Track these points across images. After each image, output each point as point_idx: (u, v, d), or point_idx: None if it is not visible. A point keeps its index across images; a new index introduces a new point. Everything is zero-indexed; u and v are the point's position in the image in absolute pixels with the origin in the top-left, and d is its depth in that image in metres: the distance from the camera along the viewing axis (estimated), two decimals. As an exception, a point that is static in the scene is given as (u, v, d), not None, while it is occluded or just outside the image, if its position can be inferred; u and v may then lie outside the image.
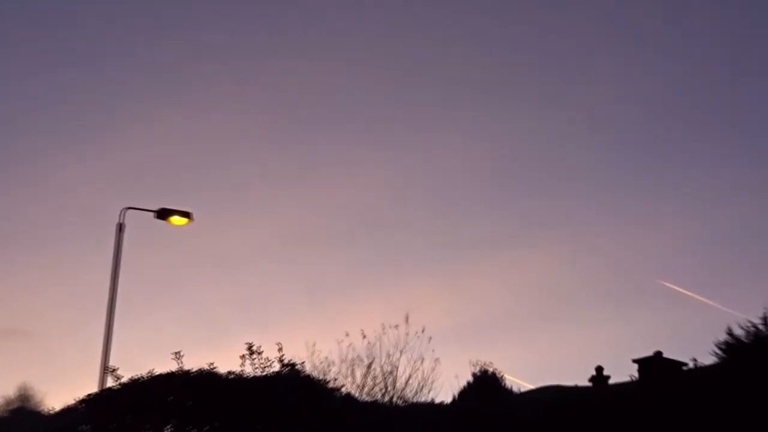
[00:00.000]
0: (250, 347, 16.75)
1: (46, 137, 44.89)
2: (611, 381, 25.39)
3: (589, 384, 25.60)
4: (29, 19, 44.63)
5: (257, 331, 38.77)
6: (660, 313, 41.33)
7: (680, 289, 36.54)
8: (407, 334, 21.53)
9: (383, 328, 21.67)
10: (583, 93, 45.15)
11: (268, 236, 43.66)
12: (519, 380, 26.70)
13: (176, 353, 16.59)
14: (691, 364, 23.30)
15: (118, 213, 20.23)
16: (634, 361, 24.29)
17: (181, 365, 16.49)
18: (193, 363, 17.01)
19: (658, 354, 23.91)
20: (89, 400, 17.15)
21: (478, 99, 45.39)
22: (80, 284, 41.07)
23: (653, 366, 23.62)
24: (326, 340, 24.74)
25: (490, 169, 44.57)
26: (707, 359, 22.91)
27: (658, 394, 20.35)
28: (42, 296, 42.76)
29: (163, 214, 20.31)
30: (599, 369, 25.47)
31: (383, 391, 21.51)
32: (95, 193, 43.44)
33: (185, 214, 20.39)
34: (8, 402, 35.94)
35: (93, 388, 17.96)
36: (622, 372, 25.28)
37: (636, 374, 24.30)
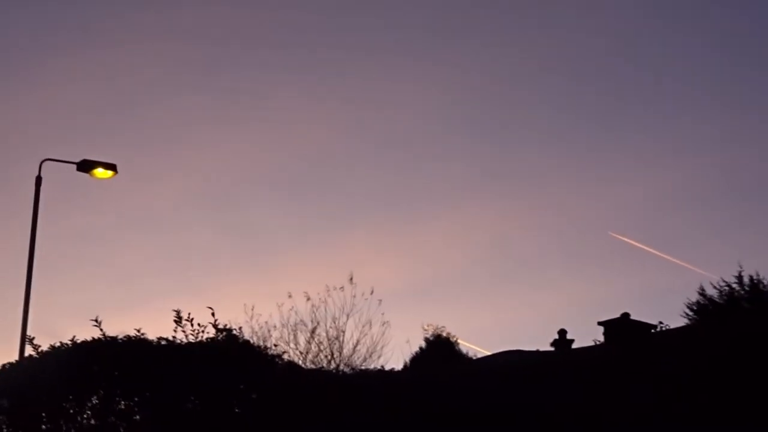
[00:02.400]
0: (178, 315, 16.46)
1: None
2: (575, 345, 25.55)
3: (552, 348, 25.74)
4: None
5: (189, 293, 38.49)
6: (629, 275, 41.75)
7: (632, 242, 36.79)
8: (354, 296, 21.43)
9: (328, 290, 21.54)
10: (540, 32, 44.98)
11: (197, 188, 43.19)
12: (474, 346, 26.73)
13: (95, 319, 16.24)
14: (660, 327, 23.50)
15: (38, 165, 19.83)
16: (600, 323, 24.43)
17: (102, 331, 16.16)
18: (119, 329, 16.68)
19: (625, 316, 24.05)
20: (6, 371, 16.82)
21: (429, 40, 45.07)
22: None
23: (620, 328, 23.75)
24: (266, 303, 24.59)
25: (443, 115, 44.40)
26: (678, 322, 23.13)
27: (622, 356, 20.48)
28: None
29: (86, 166, 19.89)
30: (562, 332, 25.60)
31: (329, 357, 21.44)
32: (9, 144, 42.62)
33: (110, 166, 19.98)
34: None
35: (10, 358, 17.66)
36: (587, 336, 25.45)
37: (602, 338, 24.46)
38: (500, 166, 45.62)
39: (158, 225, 44.16)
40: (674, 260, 39.56)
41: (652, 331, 23.74)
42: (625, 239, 38.16)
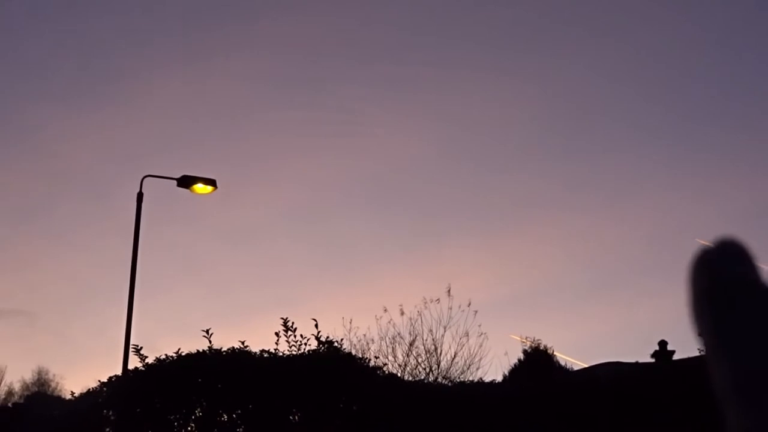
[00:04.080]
0: (285, 323, 16.64)
1: (57, 102, 45.04)
2: (676, 356, 25.14)
3: (652, 360, 25.37)
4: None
5: (287, 307, 38.96)
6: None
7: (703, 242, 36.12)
8: (450, 308, 21.44)
9: (425, 303, 21.59)
10: (616, 47, 44.50)
11: (296, 205, 43.73)
12: (570, 358, 26.50)
13: (206, 331, 16.53)
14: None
15: (139, 182, 20.24)
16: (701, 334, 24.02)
17: (210, 343, 16.45)
18: (220, 342, 17.00)
19: (727, 326, 23.61)
20: (113, 383, 17.16)
21: (519, 53, 44.94)
22: (87, 260, 41.38)
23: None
24: (363, 316, 24.76)
25: (538, 127, 44.21)
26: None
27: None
28: (45, 274, 43.16)
29: (186, 181, 20.23)
30: (662, 343, 25.22)
31: (427, 370, 21.46)
32: (111, 162, 43.65)
33: (209, 182, 20.29)
34: (25, 387, 36.31)
35: (113, 370, 18.03)
36: (688, 347, 25.04)
37: (704, 348, 24.04)
38: (596, 175, 45.26)
39: (255, 239, 44.87)
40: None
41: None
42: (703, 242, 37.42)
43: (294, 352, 16.53)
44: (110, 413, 17.17)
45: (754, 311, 1.00)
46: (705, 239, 1.04)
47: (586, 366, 26.59)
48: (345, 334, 20.91)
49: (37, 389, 35.36)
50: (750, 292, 1.01)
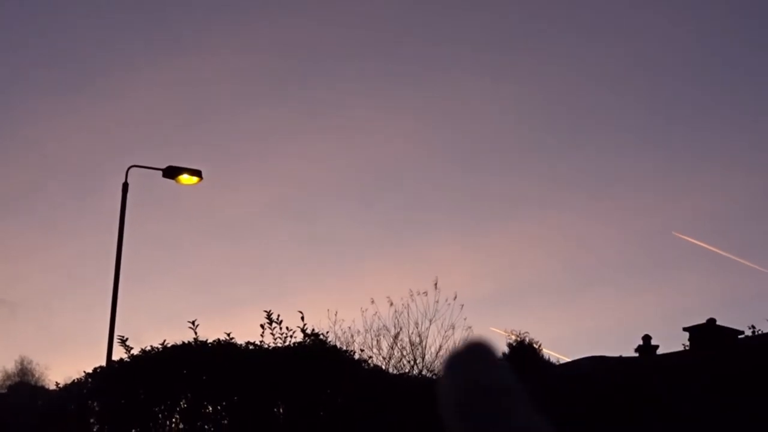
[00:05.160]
0: (269, 315, 16.71)
1: (42, 93, 44.89)
2: (660, 351, 25.34)
3: (636, 354, 25.56)
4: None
5: (274, 300, 39.07)
6: (713, 280, 41.21)
7: (694, 241, 36.35)
8: (437, 301, 21.47)
9: (411, 295, 21.64)
10: (621, 31, 44.67)
11: (282, 198, 43.69)
12: (554, 352, 26.68)
13: (192, 322, 16.60)
14: (748, 332, 23.21)
15: (124, 172, 20.24)
16: (685, 329, 24.21)
17: (196, 335, 16.52)
18: (205, 334, 17.05)
19: (712, 321, 23.80)
20: (98, 374, 17.22)
21: (505, 46, 45.03)
22: (72, 251, 41.34)
23: (706, 334, 23.51)
24: (350, 309, 24.78)
25: (522, 120, 44.24)
26: (766, 327, 22.83)
27: (710, 362, 20.27)
28: (28, 264, 43.09)
29: (172, 172, 20.21)
30: (647, 338, 25.41)
31: (412, 363, 21.52)
32: (96, 152, 43.59)
33: (195, 173, 20.28)
34: (7, 377, 36.27)
35: (97, 361, 18.04)
36: (672, 342, 25.26)
37: (687, 343, 24.24)
38: (582, 170, 45.34)
39: (240, 232, 44.73)
40: (761, 268, 38.97)
41: (739, 336, 23.48)
42: (710, 247, 37.71)
43: (279, 345, 16.62)
44: (95, 404, 17.24)
45: (487, 412, 1.22)
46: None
47: (571, 360, 26.78)
48: (330, 327, 20.91)
49: (19, 379, 35.35)
50: (484, 394, 1.23)
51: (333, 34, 44.05)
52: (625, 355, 25.83)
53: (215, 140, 42.58)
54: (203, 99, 43.96)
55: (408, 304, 21.37)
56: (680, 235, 37.29)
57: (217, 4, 43.64)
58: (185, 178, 20.17)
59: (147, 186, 21.15)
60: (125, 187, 20.25)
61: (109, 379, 16.86)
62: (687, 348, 24.10)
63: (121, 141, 41.03)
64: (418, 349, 21.39)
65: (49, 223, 43.10)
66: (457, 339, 21.09)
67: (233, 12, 43.56)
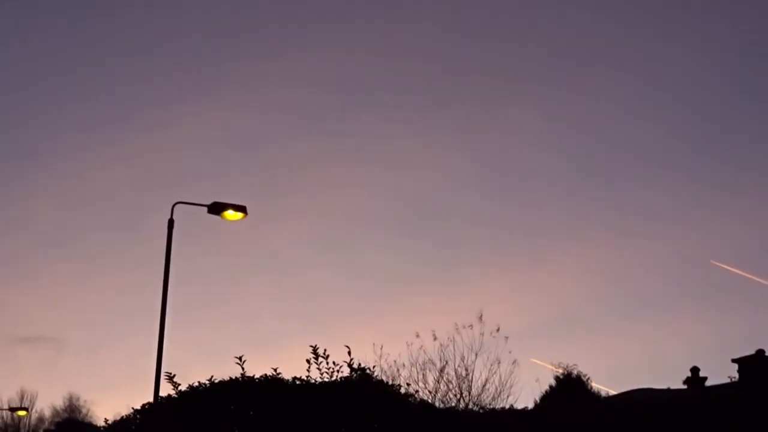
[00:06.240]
0: (315, 350, 16.67)
1: (87, 130, 45.45)
2: (708, 383, 24.98)
3: (684, 386, 25.22)
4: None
5: (319, 334, 38.93)
6: (761, 311, 40.70)
7: (733, 269, 35.94)
8: (482, 334, 21.34)
9: (456, 328, 21.52)
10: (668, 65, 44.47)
11: (326, 232, 43.85)
12: (600, 385, 26.34)
13: (239, 357, 16.60)
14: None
15: (170, 208, 20.33)
16: (734, 360, 23.86)
17: (243, 370, 16.51)
18: (251, 370, 17.01)
19: (761, 352, 23.44)
20: (146, 410, 17.24)
21: (551, 82, 45.04)
22: (118, 288, 41.68)
23: (755, 365, 23.15)
24: (394, 341, 24.70)
25: (568, 154, 44.18)
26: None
27: (761, 394, 19.95)
28: (75, 301, 43.46)
29: (217, 208, 20.27)
30: (695, 370, 25.06)
31: (458, 396, 21.36)
32: (142, 189, 43.97)
33: (240, 208, 20.30)
34: (56, 413, 36.47)
35: (144, 398, 18.06)
36: (720, 373, 24.88)
37: (736, 375, 23.87)
38: (628, 204, 45.13)
39: (285, 267, 44.98)
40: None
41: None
42: (757, 278, 37.21)
43: (326, 379, 16.56)
44: (143, 440, 17.25)
45: None
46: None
47: (617, 393, 26.46)
48: (376, 361, 20.85)
49: (67, 415, 35.46)
50: None
51: (374, 67, 44.27)
52: (672, 387, 25.51)
53: (259, 174, 42.93)
54: (247, 133, 44.36)
55: (453, 338, 21.29)
56: (718, 264, 36.85)
57: (260, 39, 44.10)
58: (230, 214, 20.20)
59: (192, 222, 21.25)
60: (171, 223, 20.30)
61: (157, 415, 16.86)
62: (735, 379, 23.74)
63: (167, 177, 41.44)
64: (464, 382, 21.25)
65: (96, 261, 43.56)
66: (502, 372, 20.94)
67: (277, 46, 43.99)
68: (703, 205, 44.16)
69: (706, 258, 43.50)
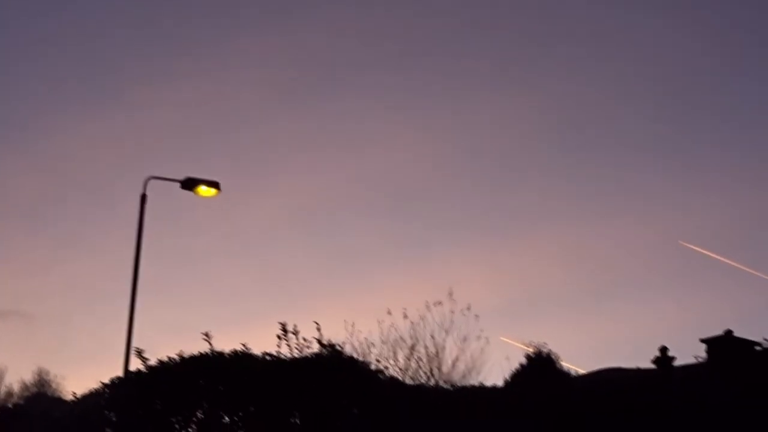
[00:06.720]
0: (284, 327, 16.70)
1: (61, 106, 45.18)
2: (677, 363, 25.14)
3: (653, 366, 25.37)
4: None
5: (289, 309, 38.91)
6: (730, 293, 40.95)
7: (702, 250, 36.12)
8: (453, 312, 21.35)
9: (427, 306, 21.54)
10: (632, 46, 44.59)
11: (299, 210, 43.75)
12: (571, 364, 26.47)
13: (206, 333, 16.60)
14: (765, 344, 23.01)
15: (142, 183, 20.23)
16: (702, 341, 24.02)
17: (211, 346, 16.51)
18: (222, 345, 17.03)
19: (729, 333, 23.62)
20: (115, 384, 17.22)
21: (519, 61, 45.07)
22: (89, 262, 41.49)
23: (723, 346, 23.33)
24: (365, 319, 24.67)
25: (538, 135, 44.26)
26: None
27: (729, 375, 20.14)
28: (45, 276, 43.24)
29: (190, 183, 20.16)
30: (663, 349, 25.20)
31: (428, 374, 21.41)
32: (114, 164, 43.77)
33: (213, 184, 20.18)
34: (25, 388, 36.38)
35: (114, 372, 18.02)
36: (688, 353, 25.03)
37: (704, 355, 24.04)
38: (600, 184, 45.20)
39: (257, 244, 44.76)
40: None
41: (756, 348, 23.28)
42: (726, 260, 37.48)
43: (296, 355, 16.60)
44: (111, 414, 17.23)
45: None
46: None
47: (587, 372, 26.59)
48: (347, 338, 20.82)
49: (37, 390, 35.44)
50: None
51: (351, 48, 44.20)
52: (642, 366, 25.66)
53: (233, 152, 42.72)
54: (221, 112, 44.17)
55: (424, 316, 21.28)
56: (687, 245, 37.04)
57: (235, 20, 43.89)
58: (203, 190, 20.05)
59: (165, 198, 21.11)
60: (143, 198, 20.19)
61: (126, 389, 16.82)
62: (703, 360, 23.91)
63: (140, 152, 41.23)
64: (434, 360, 21.28)
65: (67, 235, 43.32)
66: (473, 350, 20.99)
67: (251, 27, 43.82)
68: (673, 186, 44.35)
69: (675, 239, 43.66)
